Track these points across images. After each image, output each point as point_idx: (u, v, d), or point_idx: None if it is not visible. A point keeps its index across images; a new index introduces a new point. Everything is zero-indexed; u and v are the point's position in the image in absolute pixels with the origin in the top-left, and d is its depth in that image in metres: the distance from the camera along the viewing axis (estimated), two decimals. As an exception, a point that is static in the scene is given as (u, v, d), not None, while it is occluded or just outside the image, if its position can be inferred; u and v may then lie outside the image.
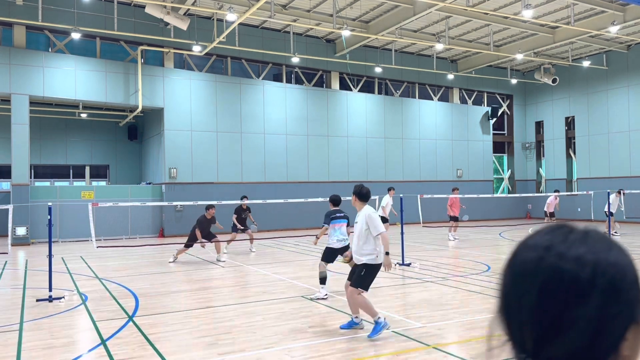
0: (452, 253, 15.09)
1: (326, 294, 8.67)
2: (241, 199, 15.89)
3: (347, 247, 8.57)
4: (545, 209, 21.14)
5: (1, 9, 19.36)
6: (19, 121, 19.51)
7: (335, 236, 8.71)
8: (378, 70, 25.30)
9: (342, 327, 6.84)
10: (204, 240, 13.94)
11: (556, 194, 20.99)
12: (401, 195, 13.35)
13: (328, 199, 9.40)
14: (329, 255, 8.80)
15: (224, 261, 13.83)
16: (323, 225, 8.89)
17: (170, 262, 13.66)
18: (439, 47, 22.84)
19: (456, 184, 28.32)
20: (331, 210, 8.99)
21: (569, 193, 22.07)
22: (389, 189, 17.80)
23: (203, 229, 14.00)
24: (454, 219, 18.34)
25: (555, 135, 29.76)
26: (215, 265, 13.20)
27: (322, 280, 8.72)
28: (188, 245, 14.19)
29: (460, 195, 18.86)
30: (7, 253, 12.89)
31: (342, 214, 8.94)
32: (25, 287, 10.38)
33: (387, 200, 17.39)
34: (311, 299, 8.63)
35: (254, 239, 16.07)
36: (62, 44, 21.04)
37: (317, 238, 9.31)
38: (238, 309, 8.26)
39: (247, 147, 23.52)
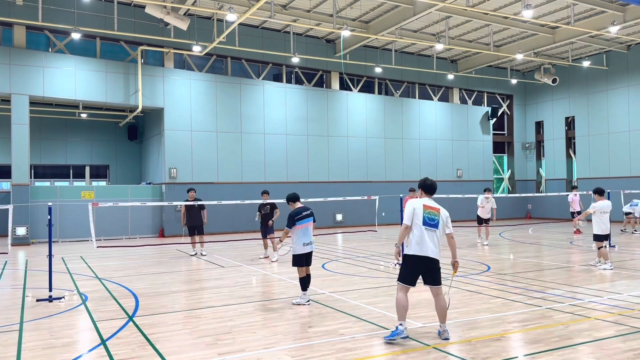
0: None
1: None
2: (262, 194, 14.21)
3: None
4: (571, 209, 20.30)
5: (1, 9, 19.36)
6: (19, 121, 19.52)
7: None
8: (378, 70, 25.29)
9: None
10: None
11: (575, 191, 20.27)
12: (401, 195, 13.34)
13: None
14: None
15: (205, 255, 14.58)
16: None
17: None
18: (439, 47, 22.85)
19: (456, 184, 28.40)
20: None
21: (568, 193, 22.06)
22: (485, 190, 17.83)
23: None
24: None
25: (555, 135, 29.76)
26: (215, 265, 13.20)
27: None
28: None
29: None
30: (7, 253, 12.89)
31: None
32: (25, 287, 10.38)
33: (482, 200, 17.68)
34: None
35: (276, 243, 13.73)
36: (62, 44, 21.04)
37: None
38: (238, 309, 8.25)
39: (247, 147, 23.53)
